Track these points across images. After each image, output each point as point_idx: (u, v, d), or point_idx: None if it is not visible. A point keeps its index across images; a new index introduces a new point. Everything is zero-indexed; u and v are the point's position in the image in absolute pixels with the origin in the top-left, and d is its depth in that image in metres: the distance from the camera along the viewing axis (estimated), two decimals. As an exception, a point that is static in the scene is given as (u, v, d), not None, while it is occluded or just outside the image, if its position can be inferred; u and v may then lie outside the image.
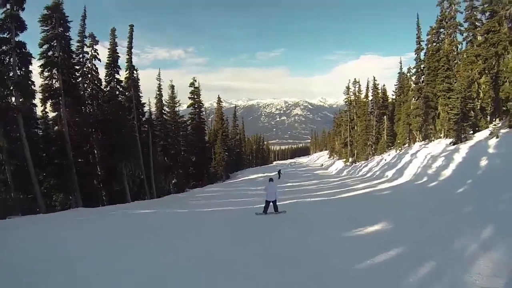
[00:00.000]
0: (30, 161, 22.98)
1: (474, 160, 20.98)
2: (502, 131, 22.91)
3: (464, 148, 24.55)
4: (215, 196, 28.63)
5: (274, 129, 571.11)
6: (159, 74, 47.05)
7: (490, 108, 29.71)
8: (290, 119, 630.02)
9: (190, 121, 54.60)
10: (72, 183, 27.26)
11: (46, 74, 27.46)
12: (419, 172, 26.25)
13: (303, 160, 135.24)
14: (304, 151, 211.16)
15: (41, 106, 28.19)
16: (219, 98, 69.45)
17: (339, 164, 62.81)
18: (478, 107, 29.53)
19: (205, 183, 50.44)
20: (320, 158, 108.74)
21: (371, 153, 51.58)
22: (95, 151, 33.15)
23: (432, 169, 24.89)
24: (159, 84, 47.27)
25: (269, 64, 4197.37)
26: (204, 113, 58.63)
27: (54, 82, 27.74)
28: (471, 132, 27.43)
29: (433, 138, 34.24)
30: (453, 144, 27.26)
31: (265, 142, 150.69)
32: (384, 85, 55.19)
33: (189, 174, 52.33)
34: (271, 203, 15.23)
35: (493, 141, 21.91)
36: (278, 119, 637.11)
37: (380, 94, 53.87)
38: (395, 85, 50.08)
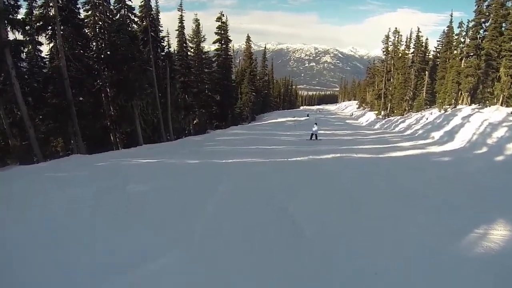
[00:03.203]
0: (22, 103, 20.45)
1: None
2: None
3: None
4: (237, 141, 26.31)
5: (302, 75, 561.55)
6: (180, 4, 42.36)
7: None
8: (319, 66, 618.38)
9: (215, 57, 51.26)
10: (72, 126, 24.68)
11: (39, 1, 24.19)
12: (475, 140, 23.00)
13: (330, 107, 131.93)
14: (332, 99, 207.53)
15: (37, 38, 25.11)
16: (248, 37, 65.09)
17: (371, 115, 60.65)
18: None
19: (229, 124, 48.24)
20: (348, 107, 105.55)
21: (407, 109, 48.70)
22: (108, 90, 30.28)
23: (492, 139, 21.66)
24: (180, 15, 43.11)
25: (299, 9, 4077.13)
26: (231, 50, 55.34)
27: (49, 10, 24.17)
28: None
29: (488, 103, 30.54)
30: None
31: (293, 86, 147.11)
32: (427, 39, 50.53)
33: (212, 114, 49.98)
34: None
35: None
36: (307, 64, 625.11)
37: (422, 47, 49.61)
38: (437, 40, 46.23)
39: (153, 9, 35.72)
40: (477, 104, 32.21)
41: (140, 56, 31.56)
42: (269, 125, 44.68)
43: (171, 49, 42.39)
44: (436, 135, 28.37)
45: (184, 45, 44.89)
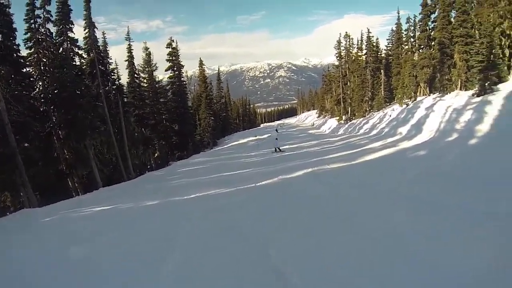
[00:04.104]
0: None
1: None
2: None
3: (497, 99, 21.51)
4: (200, 170, 24.72)
5: (259, 92, 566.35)
6: (128, 32, 40.56)
7: None
8: (274, 81, 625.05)
9: (170, 85, 49.57)
10: (20, 176, 21.45)
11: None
12: (443, 128, 22.75)
13: (291, 120, 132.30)
14: (291, 112, 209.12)
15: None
16: (200, 61, 63.58)
17: (332, 122, 59.93)
18: (500, 56, 25.53)
19: (191, 152, 46.08)
20: (308, 117, 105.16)
21: (367, 109, 48.59)
22: (59, 131, 27.42)
23: (460, 123, 21.62)
24: (129, 44, 40.91)
25: (250, 28, 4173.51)
26: (185, 76, 54.24)
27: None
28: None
29: (447, 90, 30.79)
30: (477, 96, 24.19)
31: (251, 105, 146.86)
32: (377, 39, 51.03)
33: (172, 144, 47.71)
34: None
35: None
36: (262, 81, 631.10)
37: (375, 47, 50.22)
38: (387, 39, 47.49)
39: (100, 41, 34.10)
40: (438, 93, 32.52)
41: (89, 92, 29.45)
42: (232, 148, 43.16)
43: (123, 82, 40.37)
44: (403, 130, 28.07)
45: (136, 75, 42.78)
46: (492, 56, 24.25)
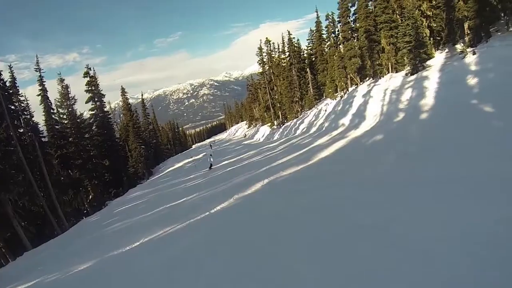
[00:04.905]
0: None
1: (459, 81, 17.51)
2: (469, 50, 20.50)
3: (432, 74, 21.73)
4: (139, 207, 22.22)
5: (185, 114, 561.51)
6: (37, 62, 35.73)
7: (443, 33, 26.35)
8: (199, 100, 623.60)
9: (93, 118, 45.46)
10: None
11: None
12: (387, 111, 22.46)
13: (222, 136, 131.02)
14: (220, 128, 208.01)
15: None
16: (122, 89, 60.38)
17: (265, 129, 59.17)
18: (424, 35, 26.34)
19: (126, 188, 42.56)
20: (239, 130, 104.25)
21: (299, 110, 48.47)
22: None
23: (402, 103, 21.42)
24: (39, 76, 35.91)
25: (169, 50, 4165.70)
26: (108, 106, 50.78)
27: None
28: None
29: (380, 75, 31.18)
30: (411, 74, 24.70)
31: (180, 128, 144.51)
32: (298, 40, 51.26)
33: (106, 182, 43.76)
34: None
35: (471, 59, 19.13)
36: (187, 102, 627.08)
37: (297, 48, 50.40)
38: (307, 39, 48.51)
39: (7, 76, 30.16)
40: (369, 80, 33.20)
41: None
42: (168, 175, 40.75)
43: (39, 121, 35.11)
44: (345, 121, 27.49)
45: (52, 110, 37.75)
46: (418, 36, 24.72)
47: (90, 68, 45.72)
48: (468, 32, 22.57)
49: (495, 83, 15.02)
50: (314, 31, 45.70)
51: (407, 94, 21.92)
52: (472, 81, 16.72)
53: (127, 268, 9.31)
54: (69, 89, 40.55)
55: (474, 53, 19.57)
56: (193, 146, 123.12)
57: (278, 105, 54.96)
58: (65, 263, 12.48)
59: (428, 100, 18.84)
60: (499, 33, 20.97)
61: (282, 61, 53.59)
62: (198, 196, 17.80)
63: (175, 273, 7.71)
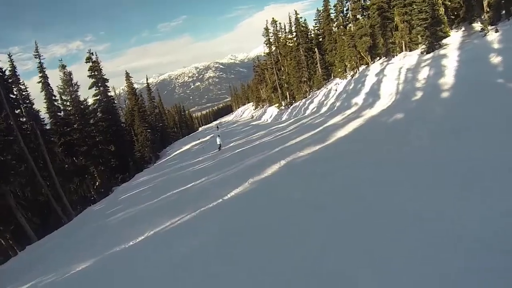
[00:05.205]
0: None
1: (481, 59, 16.67)
2: (490, 28, 19.55)
3: (450, 52, 20.85)
4: (145, 193, 21.39)
5: (191, 97, 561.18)
6: (36, 48, 34.06)
7: (460, 10, 24.99)
8: (205, 83, 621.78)
9: (97, 104, 44.59)
10: None
11: None
12: (403, 89, 21.60)
13: (228, 118, 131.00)
14: (227, 110, 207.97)
15: None
16: (127, 73, 59.06)
17: (272, 110, 58.44)
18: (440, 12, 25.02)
19: (133, 172, 42.01)
20: (245, 111, 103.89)
21: (307, 90, 47.61)
22: None
23: (419, 81, 20.48)
24: (39, 62, 34.31)
25: (172, 34, 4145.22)
26: (112, 90, 49.22)
27: None
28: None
29: (393, 53, 30.10)
30: (427, 53, 23.67)
31: (186, 111, 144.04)
32: (305, 20, 49.96)
33: (112, 168, 42.89)
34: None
35: (493, 37, 18.38)
36: (193, 86, 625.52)
37: (304, 27, 49.16)
38: (314, 19, 47.13)
39: (7, 65, 29.14)
40: (380, 59, 32.12)
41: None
42: (176, 158, 40.11)
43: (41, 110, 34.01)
44: (358, 100, 26.68)
45: (54, 97, 36.33)
46: (434, 13, 23.62)
47: (92, 53, 44.72)
48: (488, 9, 21.25)
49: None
50: (322, 11, 44.46)
51: (424, 73, 20.95)
52: (495, 59, 15.86)
53: (130, 273, 8.27)
54: (71, 76, 39.25)
55: (496, 31, 18.75)
56: (200, 129, 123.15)
57: (286, 85, 54.13)
58: (63, 262, 11.61)
59: (448, 79, 17.90)
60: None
61: (289, 41, 52.47)
62: (208, 180, 16.98)
63: (181, 276, 6.85)
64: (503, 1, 19.96)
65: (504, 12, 20.19)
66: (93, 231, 15.63)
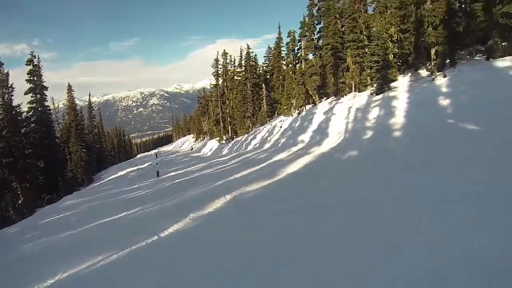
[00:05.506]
0: None
1: (431, 101, 17.95)
2: (438, 73, 20.86)
3: (400, 94, 22.08)
4: (70, 219, 19.49)
5: (133, 122, 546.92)
6: None
7: (409, 57, 26.76)
8: (148, 110, 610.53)
9: (31, 112, 40.56)
10: None
11: None
12: (352, 128, 22.12)
13: (168, 148, 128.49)
14: (166, 140, 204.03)
15: None
16: (69, 86, 56.43)
17: (213, 143, 58.42)
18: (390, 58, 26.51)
19: (62, 193, 38.51)
20: (185, 143, 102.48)
21: (250, 125, 48.00)
22: None
23: (370, 121, 21.24)
24: None
25: (123, 55, 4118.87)
26: (52, 105, 46.86)
27: None
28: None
29: (343, 93, 30.87)
30: (377, 94, 24.82)
31: (126, 136, 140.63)
32: (256, 55, 51.55)
33: (39, 185, 38.80)
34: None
35: (442, 81, 19.61)
36: (136, 111, 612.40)
37: (254, 62, 50.49)
38: (264, 56, 50.11)
39: None
40: (327, 98, 33.31)
41: None
42: (110, 183, 38.17)
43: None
44: (305, 137, 26.86)
45: None
46: (386, 56, 24.91)
47: (34, 56, 41.49)
48: (435, 57, 22.85)
49: (469, 105, 15.13)
50: (273, 48, 46.01)
51: (374, 113, 21.68)
52: (445, 101, 16.96)
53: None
54: (8, 77, 35.94)
55: (444, 76, 19.90)
56: (138, 156, 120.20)
57: (229, 119, 54.30)
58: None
59: (399, 119, 18.69)
60: (462, 61, 21.21)
61: (238, 75, 53.25)
62: (142, 211, 15.48)
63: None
64: (447, 52, 21.38)
65: (448, 60, 21.61)
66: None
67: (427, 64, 24.06)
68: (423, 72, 23.76)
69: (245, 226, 9.79)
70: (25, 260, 12.26)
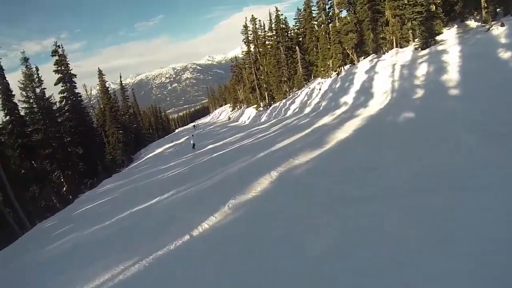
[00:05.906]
0: None
1: (488, 54, 15.59)
2: (493, 22, 18.43)
3: (450, 48, 19.36)
4: (106, 205, 18.74)
5: (168, 98, 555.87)
6: None
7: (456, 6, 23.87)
8: (182, 85, 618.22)
9: (64, 101, 40.57)
10: None
11: None
12: (399, 87, 19.91)
13: (205, 120, 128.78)
14: (203, 112, 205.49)
15: None
16: (100, 71, 55.32)
17: (250, 111, 56.71)
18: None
19: (102, 177, 38.45)
20: (222, 113, 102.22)
21: (287, 90, 46.18)
22: None
23: (418, 78, 18.90)
24: None
25: (149, 34, 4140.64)
26: (84, 93, 47.35)
27: None
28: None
29: (383, 50, 28.60)
30: (422, 49, 22.20)
31: (163, 112, 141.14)
32: (286, 18, 48.63)
33: (80, 172, 39.00)
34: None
35: (500, 30, 17.07)
36: (170, 87, 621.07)
37: (284, 26, 47.87)
38: (294, 18, 46.83)
39: None
40: (372, 55, 30.40)
41: None
42: (148, 162, 37.76)
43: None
44: (348, 99, 25.04)
45: (9, 93, 31.37)
46: (429, 6, 22.47)
47: (59, 46, 40.99)
48: (485, 5, 19.66)
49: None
50: (303, 9, 43.35)
51: (422, 69, 19.41)
52: (505, 54, 14.69)
53: None
54: (38, 71, 35.69)
55: (502, 25, 17.37)
56: (176, 130, 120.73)
57: (265, 85, 52.43)
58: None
59: (453, 75, 16.30)
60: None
61: (269, 39, 51.21)
62: (177, 195, 13.85)
63: None
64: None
65: (501, 8, 19.46)
66: (14, 272, 11.79)
67: (475, 14, 21.62)
68: (472, 23, 21.43)
69: (306, 225, 7.03)
70: (45, 264, 11.05)
